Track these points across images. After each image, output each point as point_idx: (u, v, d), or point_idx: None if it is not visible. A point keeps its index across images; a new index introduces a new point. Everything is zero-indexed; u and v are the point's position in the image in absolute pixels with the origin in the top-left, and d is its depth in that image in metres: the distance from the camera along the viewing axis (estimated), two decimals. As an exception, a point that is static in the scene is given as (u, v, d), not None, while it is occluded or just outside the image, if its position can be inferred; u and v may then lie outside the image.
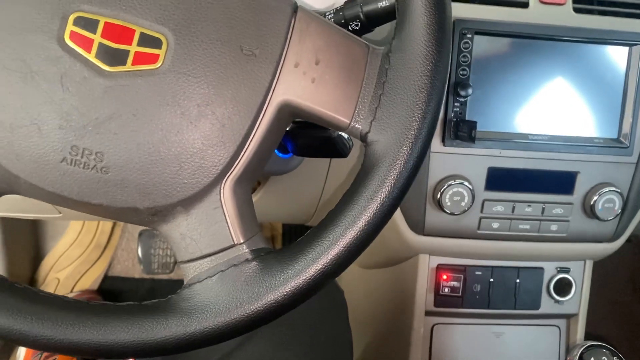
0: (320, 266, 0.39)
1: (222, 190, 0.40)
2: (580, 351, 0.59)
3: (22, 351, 0.90)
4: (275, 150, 0.62)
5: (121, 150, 0.39)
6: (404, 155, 0.40)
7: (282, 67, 0.40)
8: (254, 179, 0.43)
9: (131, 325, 0.39)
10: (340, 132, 0.55)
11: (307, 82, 0.40)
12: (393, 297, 0.83)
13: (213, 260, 0.40)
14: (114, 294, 1.19)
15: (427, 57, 0.40)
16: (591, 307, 0.78)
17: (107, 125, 0.38)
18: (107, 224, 1.24)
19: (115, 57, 0.38)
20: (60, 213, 0.83)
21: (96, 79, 0.38)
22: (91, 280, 1.20)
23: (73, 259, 1.20)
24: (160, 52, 0.39)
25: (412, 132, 0.40)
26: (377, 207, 0.39)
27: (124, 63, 0.39)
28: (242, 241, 0.40)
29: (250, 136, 0.40)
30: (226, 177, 0.40)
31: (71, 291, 1.19)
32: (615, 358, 0.58)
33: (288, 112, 0.41)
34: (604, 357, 0.58)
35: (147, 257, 1.21)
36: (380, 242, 0.80)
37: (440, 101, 0.41)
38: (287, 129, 0.59)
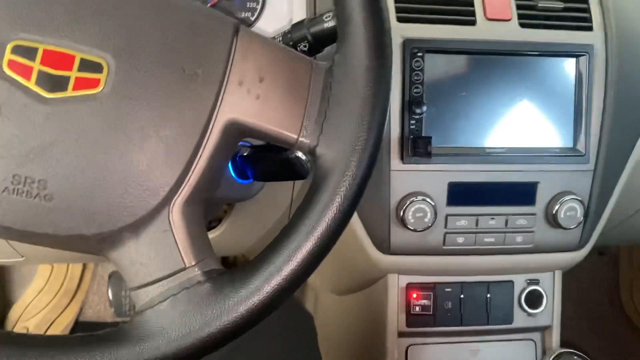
0: (274, 284, 0.38)
1: (170, 213, 0.40)
2: (551, 358, 0.58)
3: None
4: (235, 177, 0.62)
5: (65, 177, 0.38)
6: (353, 167, 0.40)
7: (226, 86, 0.40)
8: (204, 200, 0.43)
9: (80, 357, 0.37)
10: (297, 154, 0.55)
11: (251, 100, 0.40)
12: (366, 320, 0.82)
13: (164, 285, 0.39)
14: (85, 340, 1.15)
15: (369, 69, 0.40)
16: (572, 322, 0.78)
17: (49, 152, 0.38)
18: (76, 269, 1.21)
19: (55, 84, 0.38)
20: (22, 257, 0.81)
21: (37, 106, 0.38)
22: (62, 327, 1.17)
23: (42, 306, 1.16)
24: (101, 77, 0.39)
25: (360, 143, 0.40)
26: (329, 220, 0.39)
27: (64, 89, 0.38)
28: (193, 263, 0.40)
29: (197, 156, 0.40)
30: (174, 199, 0.40)
31: (41, 340, 1.15)
32: (586, 364, 0.57)
33: (235, 130, 0.41)
34: (574, 364, 0.57)
35: (117, 300, 1.18)
36: (348, 265, 0.80)
37: (385, 111, 0.41)
38: (245, 154, 0.59)
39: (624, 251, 1.39)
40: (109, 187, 0.39)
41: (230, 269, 0.41)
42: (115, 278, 1.21)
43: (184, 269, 0.39)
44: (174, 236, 0.40)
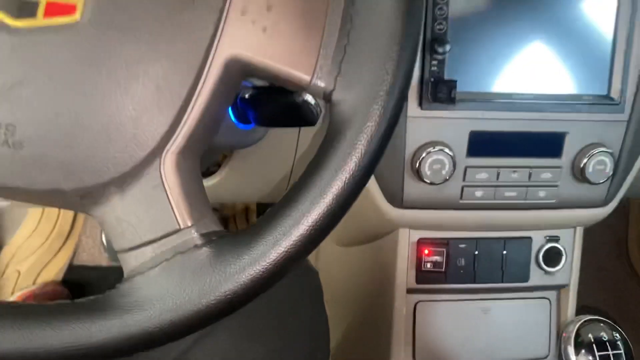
0: (282, 250, 0.33)
1: (162, 165, 0.34)
2: (576, 327, 0.54)
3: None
4: (235, 121, 0.56)
5: (37, 121, 0.33)
6: (375, 116, 0.34)
7: (226, 16, 0.34)
8: (201, 150, 0.37)
9: (60, 329, 0.33)
10: (306, 98, 0.49)
11: (257, 33, 0.34)
12: (373, 275, 0.78)
13: (156, 248, 0.34)
14: (80, 284, 1.12)
15: (398, -2, 0.34)
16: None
17: (18, 92, 0.32)
18: (68, 211, 1.16)
19: (22, 9, 0.32)
20: (7, 200, 0.76)
21: (1, 36, 0.32)
22: (55, 271, 1.13)
23: (34, 249, 1.13)
24: (78, 2, 0.32)
25: (385, 88, 0.34)
26: (346, 178, 0.34)
27: (33, 15, 0.32)
28: (189, 224, 0.34)
29: (192, 99, 0.34)
30: (166, 149, 0.34)
31: (33, 283, 1.12)
32: (614, 332, 0.53)
33: (237, 69, 0.35)
34: (602, 333, 0.53)
35: (111, 244, 1.13)
36: (356, 217, 0.75)
37: (416, 50, 0.35)
38: (247, 96, 0.53)
39: (634, 204, 1.34)
40: (89, 134, 0.33)
41: (233, 232, 0.36)
42: (109, 222, 1.16)
43: (179, 230, 0.34)
44: (166, 193, 0.34)
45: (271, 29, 0.34)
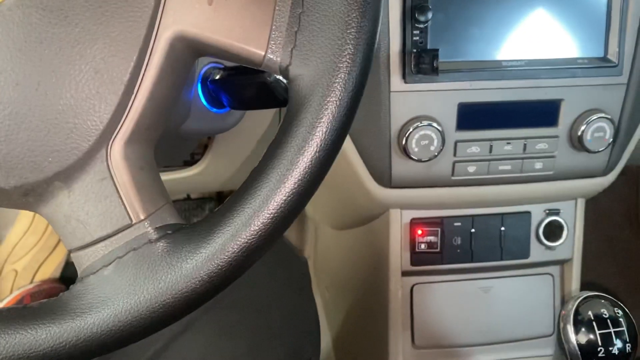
0: (242, 241, 0.31)
1: (109, 156, 0.32)
2: (576, 304, 0.51)
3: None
4: (208, 105, 0.53)
5: None
6: (337, 90, 0.31)
7: None
8: (153, 136, 0.34)
9: (8, 336, 0.31)
10: (277, 76, 0.46)
11: (203, 6, 0.31)
12: (368, 259, 0.75)
13: (108, 246, 0.32)
14: (78, 280, 1.10)
15: (355, -42, 0.31)
16: (587, 244, 0.72)
17: None
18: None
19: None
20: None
21: None
22: (52, 268, 1.12)
23: (29, 247, 1.11)
24: (1, -19, 0.30)
25: (346, 59, 0.31)
26: (308, 161, 0.31)
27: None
28: (142, 218, 0.32)
29: (136, 82, 0.31)
30: (112, 138, 0.32)
31: (31, 282, 1.11)
32: (616, 309, 0.51)
33: (185, 47, 0.32)
34: (603, 309, 0.51)
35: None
36: (345, 200, 0.72)
37: (378, 15, 0.32)
38: (217, 78, 0.50)
39: (645, 170, 1.30)
40: (25, 127, 0.31)
41: (191, 224, 0.33)
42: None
43: (131, 225, 0.32)
44: (115, 185, 0.32)
45: (217, 1, 0.31)
